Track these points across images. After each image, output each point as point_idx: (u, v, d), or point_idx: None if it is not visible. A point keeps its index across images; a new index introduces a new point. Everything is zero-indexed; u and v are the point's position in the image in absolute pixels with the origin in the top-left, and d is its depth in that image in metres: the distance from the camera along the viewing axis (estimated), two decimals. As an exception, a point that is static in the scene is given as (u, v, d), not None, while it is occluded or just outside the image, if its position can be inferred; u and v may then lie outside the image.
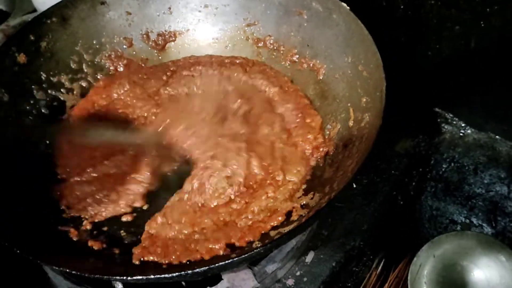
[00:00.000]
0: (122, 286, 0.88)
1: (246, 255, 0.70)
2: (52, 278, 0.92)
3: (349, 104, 0.96)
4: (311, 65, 1.07)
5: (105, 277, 0.71)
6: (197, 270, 0.70)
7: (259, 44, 1.16)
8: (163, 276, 0.70)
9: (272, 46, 1.14)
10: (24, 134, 0.98)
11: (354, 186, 1.05)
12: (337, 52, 1.01)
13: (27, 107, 1.00)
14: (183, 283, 0.94)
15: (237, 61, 1.16)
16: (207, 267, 0.70)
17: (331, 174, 0.90)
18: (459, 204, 1.31)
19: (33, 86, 1.02)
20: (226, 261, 0.70)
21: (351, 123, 0.93)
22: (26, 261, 0.88)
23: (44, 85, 1.03)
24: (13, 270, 0.92)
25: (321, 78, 1.05)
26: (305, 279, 0.92)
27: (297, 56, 1.10)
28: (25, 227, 0.82)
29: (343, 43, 0.99)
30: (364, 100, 0.91)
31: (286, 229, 0.80)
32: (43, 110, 1.03)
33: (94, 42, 1.11)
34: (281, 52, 1.13)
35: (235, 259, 0.70)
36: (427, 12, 1.16)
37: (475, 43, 1.23)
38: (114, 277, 0.70)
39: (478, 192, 1.32)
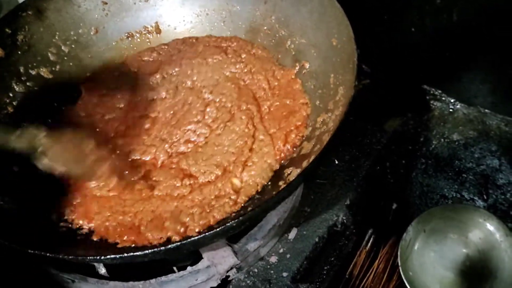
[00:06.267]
0: (105, 270, 0.88)
1: (218, 229, 0.70)
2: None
3: (325, 80, 0.95)
4: (288, 44, 1.07)
5: (79, 257, 0.71)
6: (170, 246, 0.70)
7: (236, 27, 1.15)
8: (137, 254, 0.70)
9: (249, 28, 1.13)
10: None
11: (336, 162, 1.05)
12: (312, 29, 1.00)
13: (7, 100, 1.00)
14: (175, 268, 0.95)
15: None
16: (180, 243, 0.70)
17: (309, 150, 0.89)
18: (450, 179, 1.30)
19: (12, 79, 1.01)
20: (199, 236, 0.70)
21: (327, 99, 0.93)
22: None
23: (23, 78, 1.03)
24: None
25: (297, 56, 1.04)
26: (288, 255, 0.92)
27: (275, 35, 1.09)
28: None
29: (318, 19, 0.98)
30: (340, 73, 0.91)
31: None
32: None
33: (72, 33, 1.10)
34: (259, 32, 1.12)
35: (207, 234, 0.70)
36: (408, -13, 1.15)
37: (457, 16, 1.22)
38: (88, 258, 0.70)
39: (469, 167, 1.31)
